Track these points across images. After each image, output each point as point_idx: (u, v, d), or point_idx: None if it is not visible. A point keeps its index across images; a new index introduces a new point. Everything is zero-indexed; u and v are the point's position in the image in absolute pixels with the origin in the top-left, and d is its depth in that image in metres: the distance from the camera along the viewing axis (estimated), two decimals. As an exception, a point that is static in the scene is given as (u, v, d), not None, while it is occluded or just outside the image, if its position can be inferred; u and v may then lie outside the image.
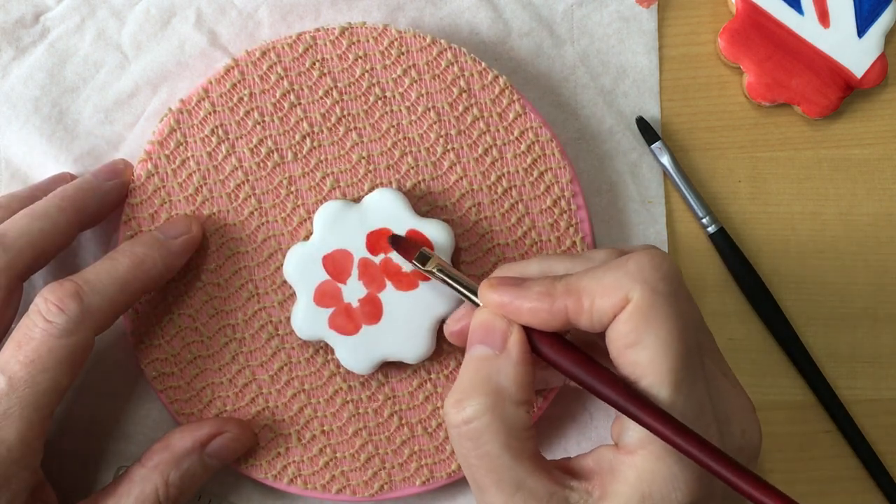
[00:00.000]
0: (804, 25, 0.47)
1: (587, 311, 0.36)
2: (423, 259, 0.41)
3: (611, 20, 0.48)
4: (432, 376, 0.45)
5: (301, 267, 0.43)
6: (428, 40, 0.45)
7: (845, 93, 0.48)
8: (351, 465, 0.45)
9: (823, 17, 0.47)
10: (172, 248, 0.42)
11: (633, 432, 0.35)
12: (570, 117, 0.48)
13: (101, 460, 0.46)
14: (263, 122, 0.44)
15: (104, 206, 0.43)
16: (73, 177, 0.45)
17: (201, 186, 0.44)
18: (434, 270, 0.41)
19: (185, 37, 0.47)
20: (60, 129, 0.46)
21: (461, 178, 0.45)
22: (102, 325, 0.40)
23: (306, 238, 0.44)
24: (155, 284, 0.42)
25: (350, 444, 0.45)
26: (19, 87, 0.46)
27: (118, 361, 0.46)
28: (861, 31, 0.47)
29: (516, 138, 0.45)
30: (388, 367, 0.45)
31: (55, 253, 0.41)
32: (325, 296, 0.43)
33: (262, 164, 0.44)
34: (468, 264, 0.45)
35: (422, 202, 0.45)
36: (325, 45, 0.44)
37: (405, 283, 0.43)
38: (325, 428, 0.45)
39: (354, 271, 0.43)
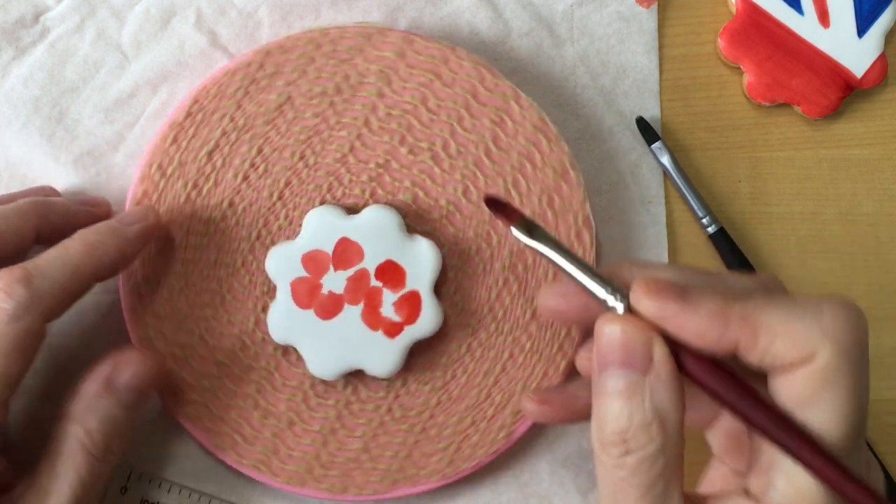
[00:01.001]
0: (804, 25, 0.47)
1: (760, 351, 0.32)
2: (529, 228, 0.35)
3: (611, 20, 0.48)
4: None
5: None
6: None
7: (845, 93, 0.47)
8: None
9: (823, 17, 0.47)
10: (128, 234, 0.41)
11: (784, 488, 0.32)
12: (570, 117, 0.48)
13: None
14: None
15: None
16: (53, 190, 0.45)
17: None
18: (540, 247, 0.34)
19: (185, 37, 0.47)
20: (60, 129, 0.46)
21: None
22: (53, 311, 0.39)
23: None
24: (108, 272, 0.41)
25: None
26: (19, 87, 0.46)
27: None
28: (861, 31, 0.47)
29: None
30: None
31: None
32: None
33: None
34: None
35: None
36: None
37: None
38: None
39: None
